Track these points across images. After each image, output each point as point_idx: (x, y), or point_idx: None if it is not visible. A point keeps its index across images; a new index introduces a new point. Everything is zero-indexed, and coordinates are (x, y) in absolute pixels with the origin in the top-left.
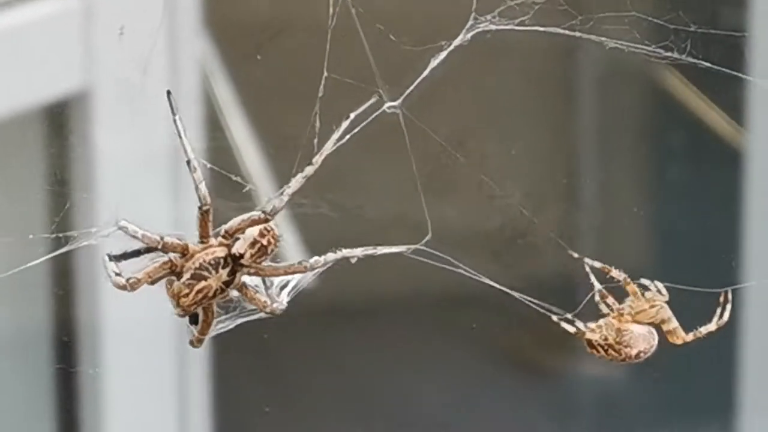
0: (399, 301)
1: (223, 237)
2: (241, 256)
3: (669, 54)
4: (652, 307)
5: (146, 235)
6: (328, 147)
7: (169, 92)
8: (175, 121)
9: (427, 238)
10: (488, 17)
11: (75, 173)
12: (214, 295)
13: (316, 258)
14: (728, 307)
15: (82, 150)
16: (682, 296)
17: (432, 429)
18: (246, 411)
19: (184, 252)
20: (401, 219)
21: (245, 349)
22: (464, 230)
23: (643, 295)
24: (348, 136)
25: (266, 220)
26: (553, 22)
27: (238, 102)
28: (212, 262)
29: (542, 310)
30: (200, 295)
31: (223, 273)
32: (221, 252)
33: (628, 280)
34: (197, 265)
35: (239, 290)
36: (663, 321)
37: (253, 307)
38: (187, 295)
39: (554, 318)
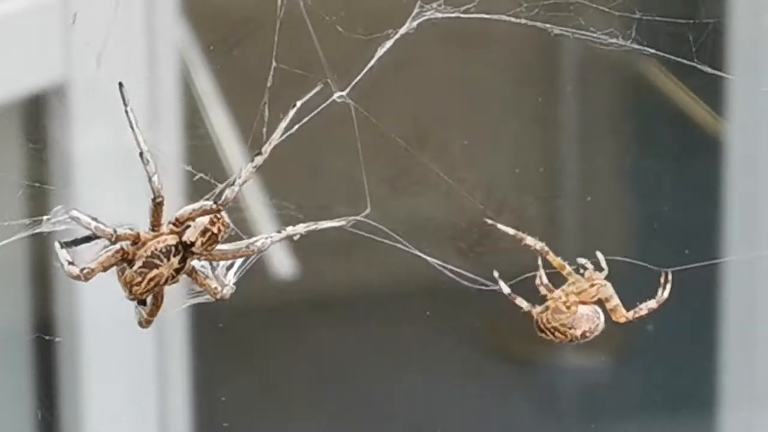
0: (378, 292)
1: (174, 225)
2: (192, 244)
3: (614, 41)
4: (592, 286)
5: (99, 227)
6: (276, 136)
7: (120, 84)
8: (126, 112)
9: (366, 211)
10: (434, 5)
11: (43, 166)
12: (166, 282)
13: (263, 240)
14: (668, 287)
15: (54, 145)
16: (650, 281)
17: (413, 420)
18: (227, 402)
19: (136, 240)
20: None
21: (225, 341)
22: (422, 220)
23: (581, 274)
24: (297, 126)
25: (218, 210)
26: (499, 9)
27: (218, 92)
28: (164, 250)
29: (501, 292)
30: (152, 283)
31: (175, 261)
32: (172, 240)
33: (546, 249)
34: (149, 253)
35: (190, 275)
36: (606, 299)
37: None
38: (139, 283)
39: (505, 291)
